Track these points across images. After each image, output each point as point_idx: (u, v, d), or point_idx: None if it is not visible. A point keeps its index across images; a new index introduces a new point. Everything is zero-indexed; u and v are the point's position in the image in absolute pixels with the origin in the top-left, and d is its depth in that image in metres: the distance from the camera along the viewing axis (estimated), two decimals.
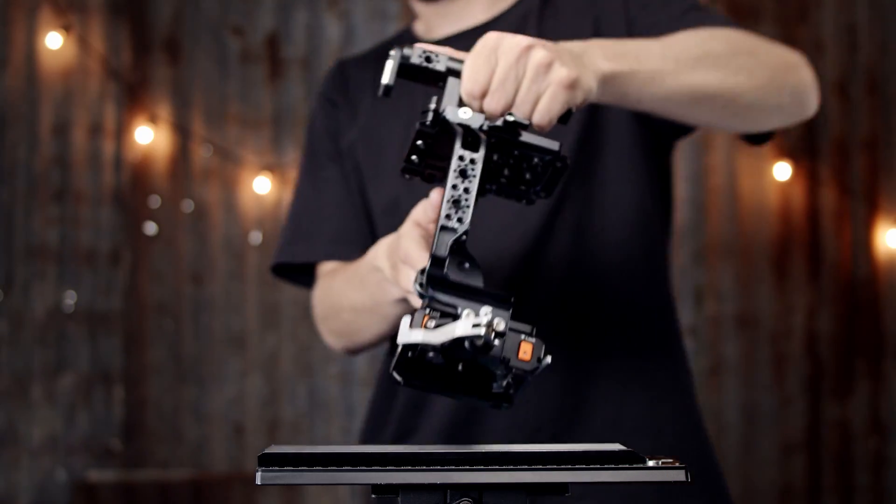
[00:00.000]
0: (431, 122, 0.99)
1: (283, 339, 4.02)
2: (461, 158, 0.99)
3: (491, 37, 1.02)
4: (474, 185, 0.99)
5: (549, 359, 0.94)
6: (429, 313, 0.94)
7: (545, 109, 1.01)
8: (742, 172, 4.03)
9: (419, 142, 1.02)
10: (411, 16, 1.51)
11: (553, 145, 1.00)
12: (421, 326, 0.93)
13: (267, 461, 0.85)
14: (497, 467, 0.86)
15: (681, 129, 1.37)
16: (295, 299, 4.00)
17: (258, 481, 0.84)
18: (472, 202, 0.98)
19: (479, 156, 0.99)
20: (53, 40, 3.87)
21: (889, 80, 4.06)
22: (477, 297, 0.95)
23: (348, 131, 1.48)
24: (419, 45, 1.05)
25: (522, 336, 0.93)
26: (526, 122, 0.99)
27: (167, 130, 4.01)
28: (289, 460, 0.86)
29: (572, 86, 1.02)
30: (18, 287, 3.86)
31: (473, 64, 1.01)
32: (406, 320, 0.93)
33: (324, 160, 1.49)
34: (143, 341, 3.98)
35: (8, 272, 3.86)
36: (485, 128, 0.99)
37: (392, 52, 1.03)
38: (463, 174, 0.99)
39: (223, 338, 4.01)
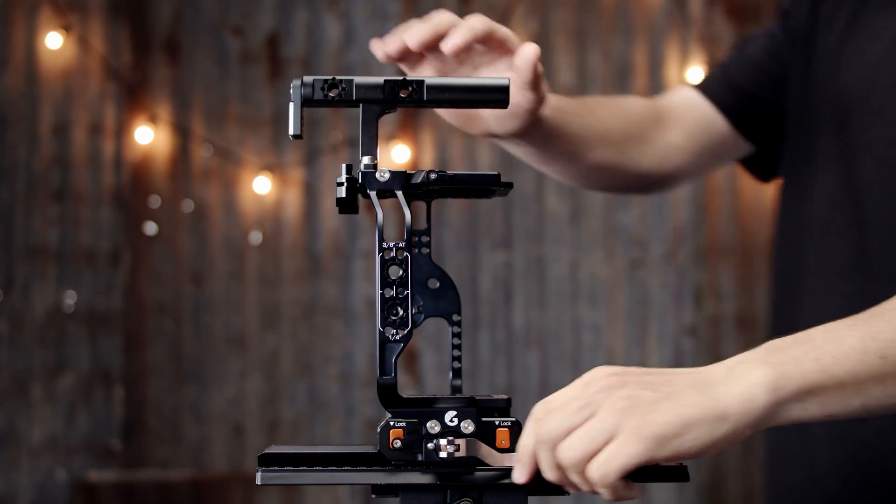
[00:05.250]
0: (348, 190, 0.86)
1: (283, 339, 4.02)
2: (385, 251, 0.85)
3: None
4: (408, 276, 0.85)
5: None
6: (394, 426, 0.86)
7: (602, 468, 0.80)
8: (742, 172, 4.02)
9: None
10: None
11: (491, 175, 0.87)
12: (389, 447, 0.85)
13: (267, 461, 0.85)
14: (497, 467, 0.86)
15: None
16: (295, 299, 4.00)
17: (258, 481, 0.84)
18: (409, 301, 0.86)
19: (409, 219, 0.84)
20: (53, 40, 3.87)
21: None
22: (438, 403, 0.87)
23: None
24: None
25: (497, 424, 0.87)
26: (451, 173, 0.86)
27: (167, 130, 4.01)
28: (289, 460, 0.86)
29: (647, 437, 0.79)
30: (18, 287, 3.86)
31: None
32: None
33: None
34: (143, 341, 3.98)
35: (8, 272, 3.86)
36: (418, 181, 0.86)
37: (291, 89, 0.87)
38: (391, 273, 0.85)
39: (223, 338, 4.01)
